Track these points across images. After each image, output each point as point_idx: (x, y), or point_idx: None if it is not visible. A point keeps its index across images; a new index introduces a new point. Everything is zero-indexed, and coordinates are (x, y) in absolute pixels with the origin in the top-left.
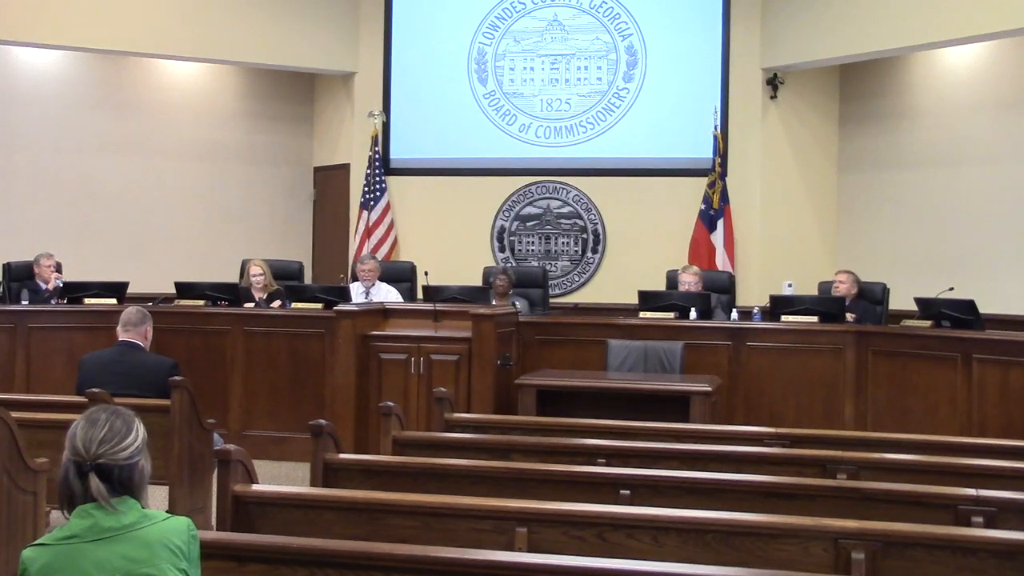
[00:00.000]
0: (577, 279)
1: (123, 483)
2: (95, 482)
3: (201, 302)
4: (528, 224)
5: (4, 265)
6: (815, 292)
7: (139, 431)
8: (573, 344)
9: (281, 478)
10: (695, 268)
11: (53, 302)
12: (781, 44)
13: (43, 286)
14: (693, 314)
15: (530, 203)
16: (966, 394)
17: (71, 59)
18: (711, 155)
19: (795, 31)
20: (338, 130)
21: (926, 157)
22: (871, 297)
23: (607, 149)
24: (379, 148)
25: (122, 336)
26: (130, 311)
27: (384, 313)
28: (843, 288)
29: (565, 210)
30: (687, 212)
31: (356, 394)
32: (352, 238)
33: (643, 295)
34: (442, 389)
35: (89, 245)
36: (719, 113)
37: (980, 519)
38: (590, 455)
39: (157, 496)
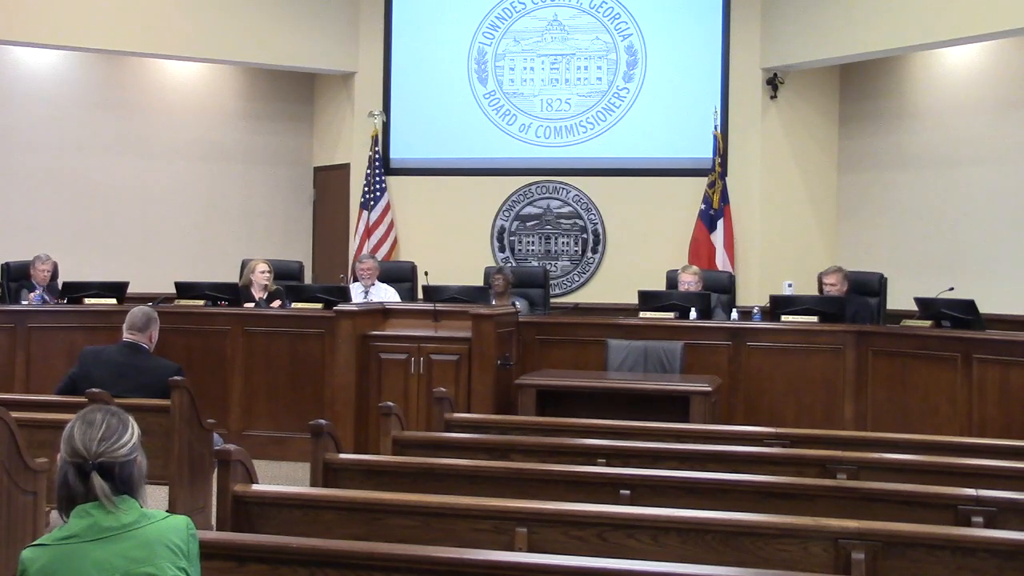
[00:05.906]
0: (577, 279)
1: (124, 480)
2: (98, 481)
3: (201, 302)
4: (528, 224)
5: (3, 265)
6: (815, 292)
7: (133, 428)
8: (573, 344)
9: (281, 478)
10: (695, 268)
11: (53, 301)
12: (781, 44)
13: (37, 287)
14: (693, 314)
15: (530, 203)
16: (966, 394)
17: (71, 59)
18: (711, 155)
19: (795, 31)
20: (338, 130)
21: (926, 157)
22: (867, 289)
23: (607, 149)
24: (379, 148)
25: (127, 337)
26: (137, 312)
27: (384, 313)
28: (835, 290)
29: (565, 210)
30: (687, 212)
31: (356, 394)
32: (352, 238)
33: (643, 295)
34: (442, 389)
35: (89, 245)
36: (719, 113)
37: (980, 519)
38: (590, 455)
39: (157, 496)
